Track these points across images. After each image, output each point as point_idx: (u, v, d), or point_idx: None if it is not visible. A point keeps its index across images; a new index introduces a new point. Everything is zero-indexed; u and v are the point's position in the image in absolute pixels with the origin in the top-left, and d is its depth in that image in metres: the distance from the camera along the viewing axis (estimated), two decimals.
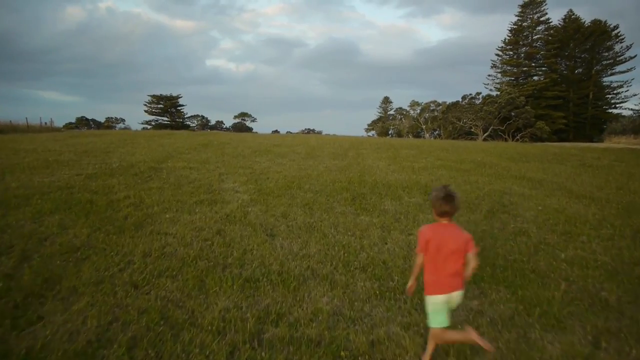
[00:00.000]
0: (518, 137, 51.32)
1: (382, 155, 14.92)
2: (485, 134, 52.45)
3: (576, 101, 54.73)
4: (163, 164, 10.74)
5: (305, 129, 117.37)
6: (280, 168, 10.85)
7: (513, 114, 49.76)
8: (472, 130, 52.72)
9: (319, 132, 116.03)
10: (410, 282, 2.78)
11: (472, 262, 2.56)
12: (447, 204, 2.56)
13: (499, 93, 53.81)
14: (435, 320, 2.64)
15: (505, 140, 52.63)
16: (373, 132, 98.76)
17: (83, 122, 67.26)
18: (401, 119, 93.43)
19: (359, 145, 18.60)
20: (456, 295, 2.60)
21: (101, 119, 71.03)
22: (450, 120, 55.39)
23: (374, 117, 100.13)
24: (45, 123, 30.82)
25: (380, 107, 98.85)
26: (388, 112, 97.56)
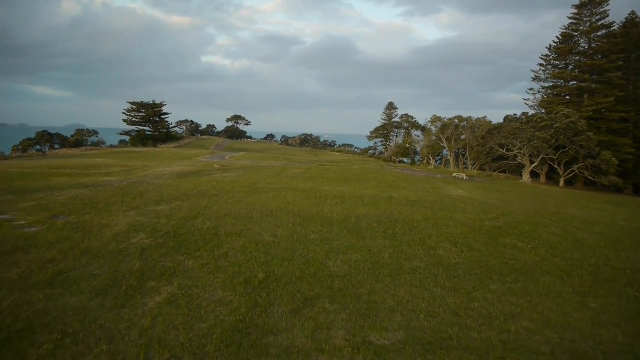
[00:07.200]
0: (575, 170, 39.55)
1: None
2: (534, 165, 40.50)
3: (639, 124, 42.97)
4: None
5: (302, 134, 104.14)
6: None
7: (571, 141, 37.80)
8: (519, 159, 40.64)
9: (317, 139, 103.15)
10: None
11: None
12: None
13: (549, 114, 41.71)
14: None
15: (556, 171, 40.92)
16: (377, 139, 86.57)
17: (45, 139, 53.22)
18: (408, 127, 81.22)
19: None
20: None
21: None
22: (489, 146, 43.18)
23: (377, 124, 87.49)
24: None
25: (384, 113, 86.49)
26: (392, 119, 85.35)
